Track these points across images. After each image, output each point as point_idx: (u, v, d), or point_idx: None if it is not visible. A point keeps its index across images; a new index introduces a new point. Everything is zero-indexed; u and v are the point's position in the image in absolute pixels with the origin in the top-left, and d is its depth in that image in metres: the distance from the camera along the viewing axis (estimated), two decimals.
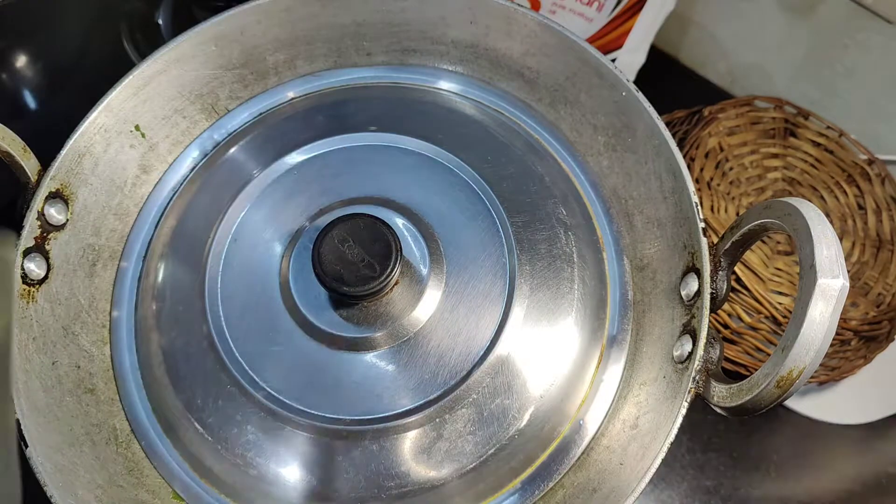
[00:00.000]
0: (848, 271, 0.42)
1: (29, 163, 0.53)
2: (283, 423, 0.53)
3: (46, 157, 0.55)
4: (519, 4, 0.61)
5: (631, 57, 0.92)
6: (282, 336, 0.55)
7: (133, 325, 0.60)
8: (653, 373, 0.55)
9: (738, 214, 0.78)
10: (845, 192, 0.84)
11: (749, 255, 0.75)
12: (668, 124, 0.57)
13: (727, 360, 0.75)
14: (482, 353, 0.54)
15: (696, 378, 0.49)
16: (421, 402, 0.53)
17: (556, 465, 0.58)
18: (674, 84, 1.04)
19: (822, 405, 0.83)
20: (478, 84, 0.69)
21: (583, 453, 0.58)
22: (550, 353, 0.58)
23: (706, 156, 0.82)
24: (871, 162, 0.86)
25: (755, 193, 0.82)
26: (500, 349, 0.54)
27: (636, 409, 0.55)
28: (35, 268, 0.53)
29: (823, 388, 0.83)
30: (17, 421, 0.48)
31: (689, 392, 0.49)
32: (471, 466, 0.54)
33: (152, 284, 0.60)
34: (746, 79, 1.03)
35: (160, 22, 0.86)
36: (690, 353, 0.50)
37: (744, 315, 0.73)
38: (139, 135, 0.62)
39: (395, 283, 0.53)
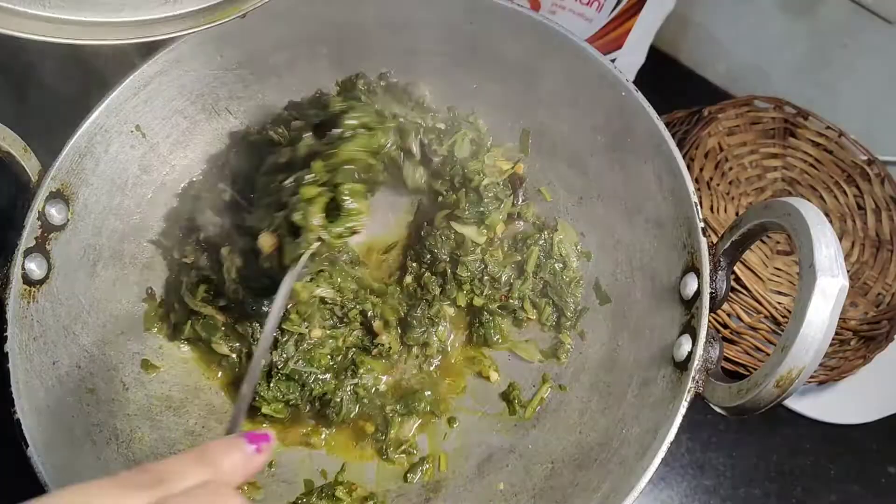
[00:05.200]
0: (847, 271, 0.42)
1: (29, 163, 0.53)
2: None
3: (47, 158, 0.55)
4: (519, 5, 0.61)
5: (631, 57, 0.92)
6: None
7: None
8: (653, 373, 0.55)
9: (737, 214, 0.78)
10: (845, 192, 0.84)
11: (748, 255, 0.75)
12: (667, 124, 0.57)
13: (727, 359, 0.75)
14: None
15: (696, 378, 0.49)
16: None
17: None
18: (674, 84, 1.04)
19: (821, 405, 0.83)
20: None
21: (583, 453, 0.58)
22: None
23: (706, 156, 0.82)
24: (870, 162, 0.86)
25: (755, 193, 0.82)
26: None
27: (636, 409, 0.55)
28: (36, 268, 0.53)
29: (823, 388, 0.83)
30: (18, 421, 0.48)
31: (688, 392, 0.49)
32: None
33: None
34: (746, 79, 1.02)
35: None
36: (690, 353, 0.50)
37: (743, 315, 0.73)
38: (140, 135, 0.62)
39: None
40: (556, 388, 0.64)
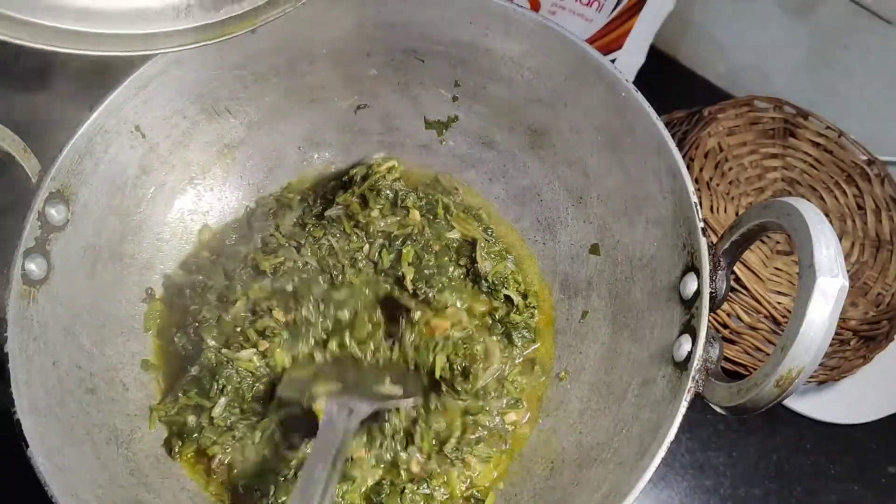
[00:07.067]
0: (847, 271, 0.42)
1: (29, 163, 0.53)
2: None
3: (47, 158, 0.55)
4: (518, 5, 0.61)
5: (631, 57, 0.92)
6: None
7: None
8: (653, 372, 0.55)
9: (737, 214, 0.78)
10: (845, 193, 0.84)
11: (748, 255, 0.75)
12: (667, 124, 0.57)
13: (727, 359, 0.75)
14: None
15: (696, 377, 0.49)
16: None
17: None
18: (673, 84, 1.04)
19: (821, 405, 0.83)
20: None
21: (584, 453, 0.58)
22: None
23: (705, 156, 0.82)
24: (870, 162, 0.85)
25: (754, 193, 0.82)
26: None
27: (636, 409, 0.55)
28: (35, 268, 0.53)
29: (823, 388, 0.83)
30: (18, 421, 0.48)
31: (688, 391, 0.49)
32: None
33: None
34: (746, 79, 1.02)
35: None
36: (690, 353, 0.50)
37: (743, 315, 0.73)
38: (139, 135, 0.62)
39: None
40: (556, 384, 0.64)
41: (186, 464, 0.60)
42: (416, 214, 0.68)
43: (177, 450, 0.59)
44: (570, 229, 0.68)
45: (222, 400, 0.59)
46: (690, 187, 0.54)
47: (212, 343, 0.61)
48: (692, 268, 0.53)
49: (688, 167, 0.55)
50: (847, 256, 0.81)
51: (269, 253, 0.66)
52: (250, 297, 0.63)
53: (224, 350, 0.60)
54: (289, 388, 0.58)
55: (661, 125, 0.56)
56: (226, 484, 0.60)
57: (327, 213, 0.68)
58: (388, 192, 0.68)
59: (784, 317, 0.72)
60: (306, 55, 0.67)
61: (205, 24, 0.52)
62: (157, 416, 0.60)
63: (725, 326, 0.75)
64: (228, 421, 0.60)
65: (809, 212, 0.44)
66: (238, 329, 0.62)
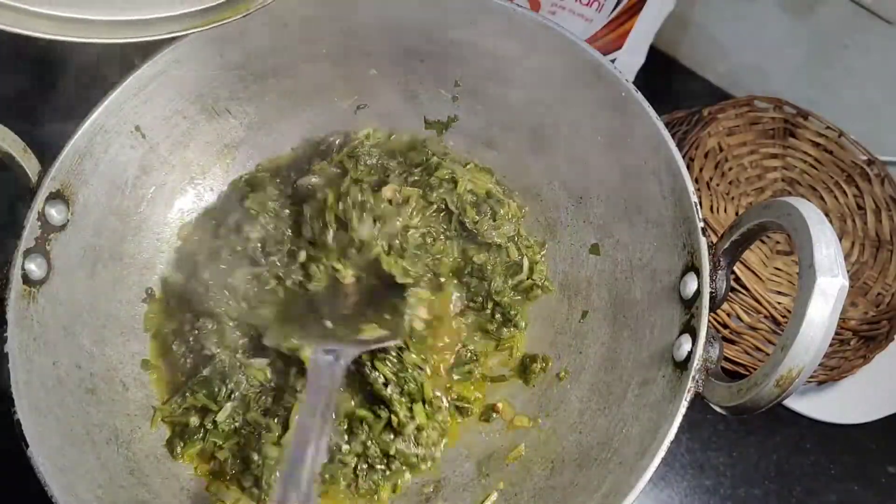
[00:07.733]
0: (847, 271, 0.42)
1: (29, 163, 0.53)
2: None
3: (47, 158, 0.55)
4: (518, 5, 0.61)
5: (631, 57, 0.92)
6: None
7: None
8: (653, 372, 0.55)
9: (737, 214, 0.78)
10: (845, 193, 0.84)
11: (748, 255, 0.75)
12: (667, 124, 0.57)
13: (727, 359, 0.75)
14: None
15: (696, 377, 0.49)
16: None
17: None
18: (673, 84, 1.04)
19: (821, 405, 0.83)
20: None
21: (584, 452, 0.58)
22: None
23: (705, 156, 0.82)
24: (870, 162, 0.86)
25: (754, 193, 0.82)
26: None
27: (636, 409, 0.55)
28: (35, 268, 0.53)
29: (823, 388, 0.83)
30: (18, 421, 0.48)
31: (688, 391, 0.49)
32: None
33: None
34: (746, 79, 1.02)
35: None
36: (690, 353, 0.50)
37: (743, 315, 0.73)
38: (139, 135, 0.62)
39: None
40: (556, 384, 0.64)
41: (189, 463, 0.60)
42: (407, 191, 0.66)
43: (178, 450, 0.59)
44: (570, 229, 0.68)
45: (228, 405, 0.59)
46: (690, 187, 0.54)
47: (215, 350, 0.61)
48: (692, 268, 0.53)
49: (688, 167, 0.55)
50: (847, 256, 0.81)
51: (245, 240, 0.65)
52: (238, 291, 0.63)
53: (238, 355, 0.61)
54: (274, 337, 0.58)
55: (661, 125, 0.56)
56: (231, 483, 0.60)
57: (299, 181, 0.66)
58: (367, 159, 0.67)
59: (784, 317, 0.72)
60: (306, 55, 0.67)
61: (200, 10, 0.52)
62: (161, 416, 0.60)
63: (725, 326, 0.75)
64: (233, 426, 0.60)
65: (809, 212, 0.44)
66: (234, 325, 0.62)
